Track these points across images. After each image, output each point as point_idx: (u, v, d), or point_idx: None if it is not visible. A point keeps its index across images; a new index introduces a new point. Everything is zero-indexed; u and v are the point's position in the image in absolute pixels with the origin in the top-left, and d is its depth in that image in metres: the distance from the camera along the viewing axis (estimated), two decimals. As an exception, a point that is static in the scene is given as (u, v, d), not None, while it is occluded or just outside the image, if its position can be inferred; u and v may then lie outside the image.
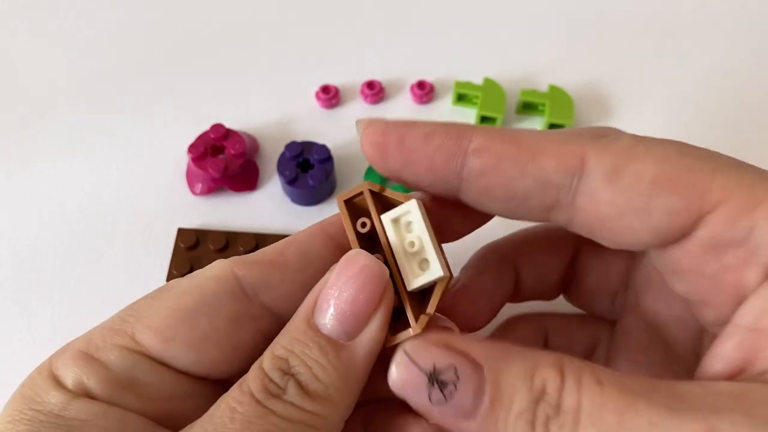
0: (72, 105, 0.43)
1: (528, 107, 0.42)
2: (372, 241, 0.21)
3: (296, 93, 0.43)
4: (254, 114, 0.42)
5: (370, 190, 0.21)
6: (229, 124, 0.39)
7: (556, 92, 0.41)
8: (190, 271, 0.35)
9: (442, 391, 0.18)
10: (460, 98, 0.42)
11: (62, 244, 0.37)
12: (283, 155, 0.38)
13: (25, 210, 0.38)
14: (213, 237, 0.36)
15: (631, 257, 0.26)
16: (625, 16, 0.47)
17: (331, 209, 0.38)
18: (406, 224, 0.20)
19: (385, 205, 0.21)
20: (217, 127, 0.38)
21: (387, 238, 0.20)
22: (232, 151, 0.38)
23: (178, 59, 0.45)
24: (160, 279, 0.35)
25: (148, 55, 0.45)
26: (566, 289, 0.28)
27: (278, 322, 0.22)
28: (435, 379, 0.18)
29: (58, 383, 0.20)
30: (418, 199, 0.20)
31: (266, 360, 0.19)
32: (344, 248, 0.21)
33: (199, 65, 0.45)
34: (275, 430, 0.18)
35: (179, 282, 0.21)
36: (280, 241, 0.22)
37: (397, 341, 0.20)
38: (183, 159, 0.40)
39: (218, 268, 0.22)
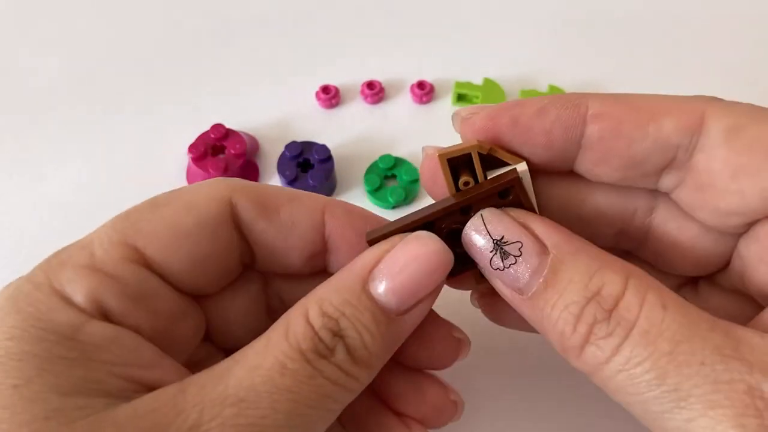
0: (72, 105, 0.43)
1: (528, 107, 0.42)
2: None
3: (296, 93, 0.43)
4: (254, 114, 0.42)
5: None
6: (229, 124, 0.39)
7: (555, 92, 0.41)
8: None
9: (502, 260, 0.19)
10: (460, 98, 0.42)
11: (62, 245, 0.37)
12: (283, 155, 0.38)
13: (24, 210, 0.38)
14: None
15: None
16: (624, 16, 0.47)
17: (331, 209, 0.38)
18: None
19: (488, 163, 0.21)
20: (217, 127, 0.38)
21: None
22: (233, 151, 0.38)
23: (179, 59, 0.45)
24: (160, 279, 0.35)
25: (148, 55, 0.45)
26: None
27: (254, 258, 0.23)
28: (500, 247, 0.19)
29: (67, 301, 0.18)
30: (526, 165, 0.21)
31: (315, 315, 0.19)
32: (328, 239, 0.22)
33: (200, 65, 0.45)
34: (322, 391, 0.18)
35: (175, 197, 0.21)
36: (284, 191, 0.23)
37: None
38: (183, 159, 0.40)
39: (215, 188, 0.22)
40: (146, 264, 0.20)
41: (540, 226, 0.19)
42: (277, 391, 0.17)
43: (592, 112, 0.20)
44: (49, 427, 0.16)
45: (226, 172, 0.37)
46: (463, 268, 0.21)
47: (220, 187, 0.22)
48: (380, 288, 0.19)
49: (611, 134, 0.20)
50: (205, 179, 0.37)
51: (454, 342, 0.23)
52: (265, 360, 0.18)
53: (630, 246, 0.25)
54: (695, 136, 0.19)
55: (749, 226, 0.20)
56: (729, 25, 0.46)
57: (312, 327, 0.19)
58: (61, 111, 0.42)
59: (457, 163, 0.21)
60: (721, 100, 0.20)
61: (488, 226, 0.19)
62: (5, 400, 0.16)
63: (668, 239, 0.23)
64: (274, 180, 0.39)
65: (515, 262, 0.19)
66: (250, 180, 0.39)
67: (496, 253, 0.19)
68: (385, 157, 0.38)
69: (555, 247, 0.19)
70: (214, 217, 0.21)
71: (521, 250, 0.19)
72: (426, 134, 0.41)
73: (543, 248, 0.19)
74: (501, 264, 0.19)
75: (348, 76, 0.43)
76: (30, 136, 0.41)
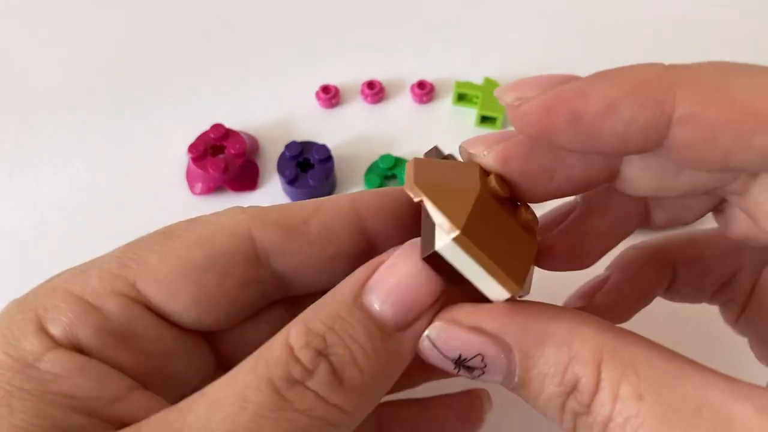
0: (72, 105, 0.43)
1: (528, 107, 0.42)
2: None
3: (296, 93, 0.43)
4: (254, 114, 0.42)
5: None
6: (229, 124, 0.39)
7: (556, 92, 0.41)
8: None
9: (469, 373, 0.17)
10: (460, 98, 0.42)
11: (62, 245, 0.37)
12: (283, 155, 0.38)
13: (24, 210, 0.38)
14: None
15: None
16: (624, 16, 0.47)
17: (331, 209, 0.38)
18: None
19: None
20: (217, 127, 0.38)
21: None
22: (232, 151, 0.38)
23: (178, 59, 0.45)
24: (160, 279, 0.35)
25: (148, 55, 0.45)
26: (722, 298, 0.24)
27: (285, 287, 0.21)
28: (461, 364, 0.17)
29: (40, 327, 0.17)
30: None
31: (296, 335, 0.16)
32: (371, 233, 0.20)
33: (199, 65, 0.45)
34: (292, 427, 0.15)
35: (189, 228, 0.20)
36: (307, 204, 0.20)
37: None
38: (183, 159, 0.40)
39: (234, 221, 0.20)
40: (143, 301, 0.19)
41: (492, 322, 0.17)
42: (235, 430, 0.15)
43: (680, 113, 0.15)
44: None
45: (225, 171, 0.37)
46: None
47: (238, 219, 0.20)
48: (375, 299, 0.17)
49: (704, 143, 0.15)
50: (205, 179, 0.38)
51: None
52: (227, 393, 0.16)
53: None
54: None
55: None
56: (730, 26, 0.46)
57: (291, 349, 0.16)
58: (61, 111, 0.42)
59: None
60: None
61: (441, 349, 0.17)
62: None
63: None
64: (274, 180, 0.39)
65: (483, 372, 0.17)
66: (251, 179, 0.39)
67: (460, 369, 0.17)
68: (385, 157, 0.38)
69: (517, 344, 0.16)
70: (227, 252, 0.19)
71: (485, 360, 0.17)
72: (426, 134, 0.41)
73: (506, 347, 0.16)
74: (469, 375, 0.17)
75: (348, 76, 0.43)
76: (30, 136, 0.41)
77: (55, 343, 0.17)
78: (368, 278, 0.17)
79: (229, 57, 0.45)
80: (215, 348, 0.21)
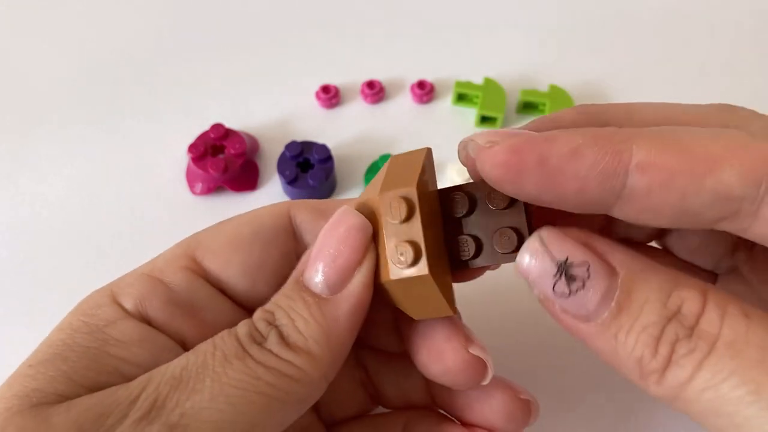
0: (72, 105, 0.43)
1: (528, 107, 0.42)
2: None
3: (296, 93, 0.43)
4: (254, 114, 0.42)
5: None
6: (229, 124, 0.39)
7: (556, 92, 0.41)
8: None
9: (568, 285, 0.17)
10: (460, 98, 0.42)
11: (62, 245, 0.37)
12: (283, 155, 0.38)
13: (24, 210, 0.38)
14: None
15: None
16: (625, 16, 0.47)
17: (331, 209, 0.38)
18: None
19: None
20: (217, 127, 0.38)
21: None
22: (232, 151, 0.38)
23: (179, 59, 0.45)
24: (160, 279, 0.35)
25: (148, 56, 0.45)
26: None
27: None
28: (564, 270, 0.17)
29: (115, 301, 0.20)
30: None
31: (255, 313, 0.20)
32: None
33: (199, 65, 0.45)
34: (250, 372, 0.18)
35: (238, 215, 0.23)
36: (339, 201, 0.24)
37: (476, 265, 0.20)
38: (183, 159, 0.40)
39: (277, 206, 0.24)
40: (203, 273, 0.22)
41: (603, 244, 0.18)
42: (203, 371, 0.18)
43: (637, 162, 0.17)
44: (21, 403, 0.17)
45: (226, 172, 0.37)
46: (465, 263, 0.21)
47: (279, 204, 0.24)
48: (310, 274, 0.20)
49: (661, 188, 0.17)
50: (205, 179, 0.38)
51: (521, 404, 0.23)
52: (204, 342, 0.19)
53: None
54: (764, 185, 0.16)
55: None
56: (730, 24, 0.46)
57: (251, 320, 0.20)
58: (61, 111, 0.42)
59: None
60: None
61: (550, 247, 0.18)
62: (13, 377, 0.18)
63: None
64: (274, 180, 0.39)
65: (583, 286, 0.17)
66: (251, 179, 0.39)
67: (560, 278, 0.17)
68: (385, 157, 0.38)
69: (623, 266, 0.17)
70: (270, 227, 0.23)
71: (589, 271, 0.17)
72: (426, 134, 0.41)
73: (611, 269, 0.17)
74: (566, 289, 0.17)
75: (348, 76, 0.43)
76: (30, 135, 0.41)
77: (128, 314, 0.20)
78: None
79: (229, 57, 0.45)
80: None
